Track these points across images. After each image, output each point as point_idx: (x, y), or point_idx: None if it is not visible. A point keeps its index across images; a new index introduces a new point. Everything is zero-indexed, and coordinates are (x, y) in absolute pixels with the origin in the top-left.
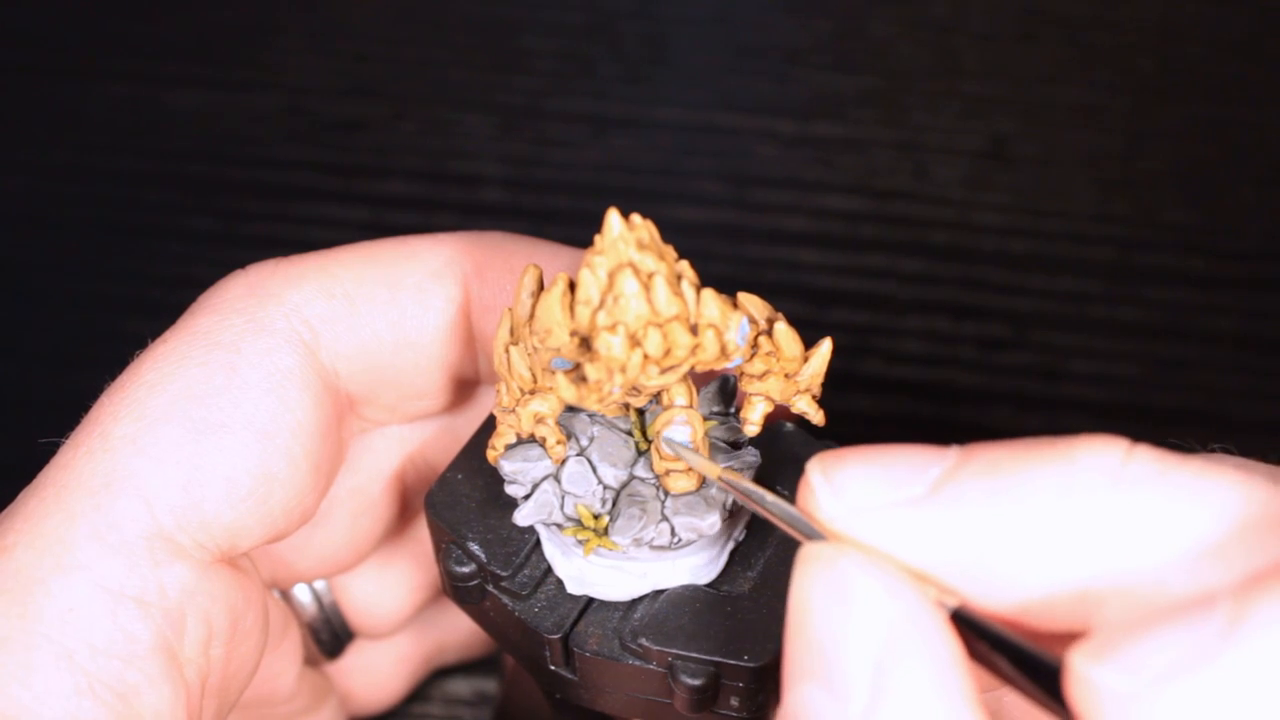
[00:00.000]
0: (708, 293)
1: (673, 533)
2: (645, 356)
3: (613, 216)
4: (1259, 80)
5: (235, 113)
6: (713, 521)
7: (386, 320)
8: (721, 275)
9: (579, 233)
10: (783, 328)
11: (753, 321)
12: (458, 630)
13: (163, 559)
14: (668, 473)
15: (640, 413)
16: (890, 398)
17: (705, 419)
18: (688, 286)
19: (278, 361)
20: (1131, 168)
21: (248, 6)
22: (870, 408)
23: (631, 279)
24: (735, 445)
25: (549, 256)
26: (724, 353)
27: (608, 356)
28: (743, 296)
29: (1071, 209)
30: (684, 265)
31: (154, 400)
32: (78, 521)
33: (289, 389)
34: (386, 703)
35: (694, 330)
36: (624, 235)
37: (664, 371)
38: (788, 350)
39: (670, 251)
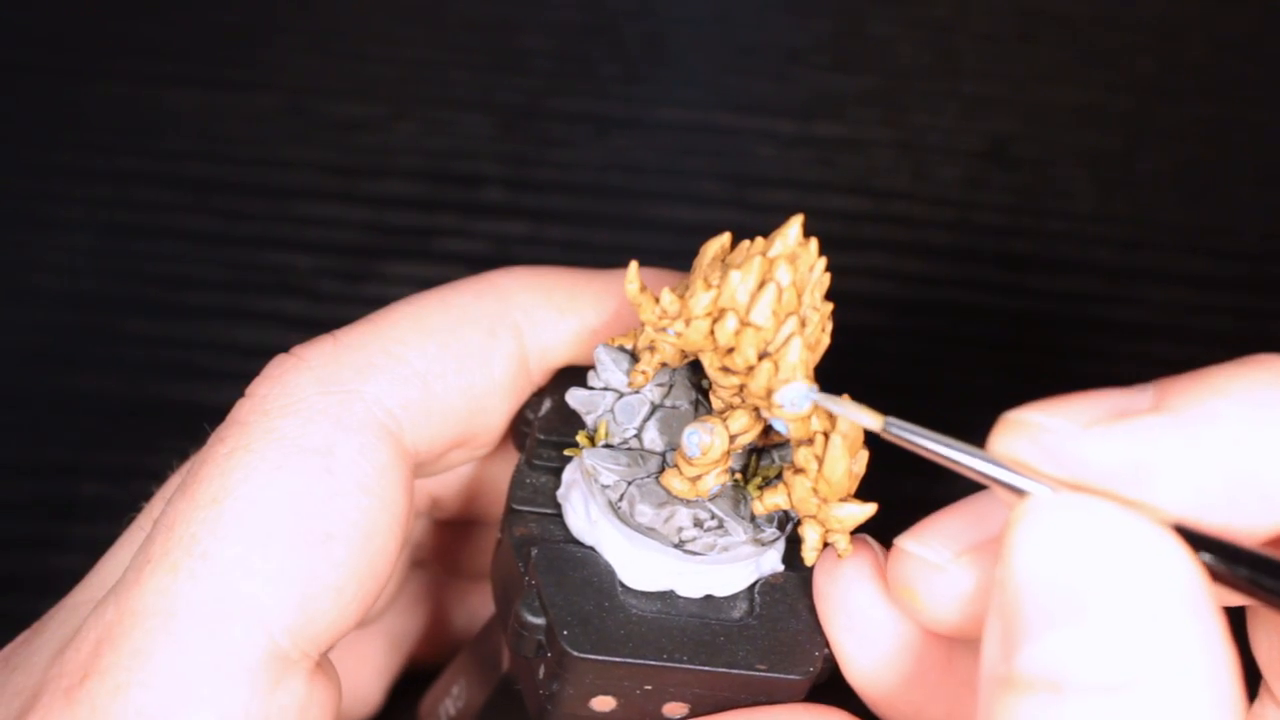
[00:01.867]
0: (798, 340)
1: (698, 524)
2: (711, 334)
3: (796, 225)
4: (1259, 80)
5: (235, 113)
6: (727, 542)
7: (457, 390)
8: None
9: (579, 233)
10: (838, 443)
11: (819, 411)
12: (427, 635)
13: (280, 679)
14: (698, 477)
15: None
16: (890, 398)
17: (737, 443)
18: (794, 323)
19: (372, 459)
20: (1131, 168)
21: (248, 6)
22: (869, 408)
23: (753, 274)
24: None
25: (585, 284)
26: (768, 398)
27: (688, 301)
28: (847, 401)
29: (1071, 209)
30: (815, 313)
31: (256, 517)
32: (195, 653)
33: (385, 485)
34: (370, 710)
35: (762, 356)
36: (787, 242)
37: (722, 368)
38: (830, 469)
39: (815, 289)
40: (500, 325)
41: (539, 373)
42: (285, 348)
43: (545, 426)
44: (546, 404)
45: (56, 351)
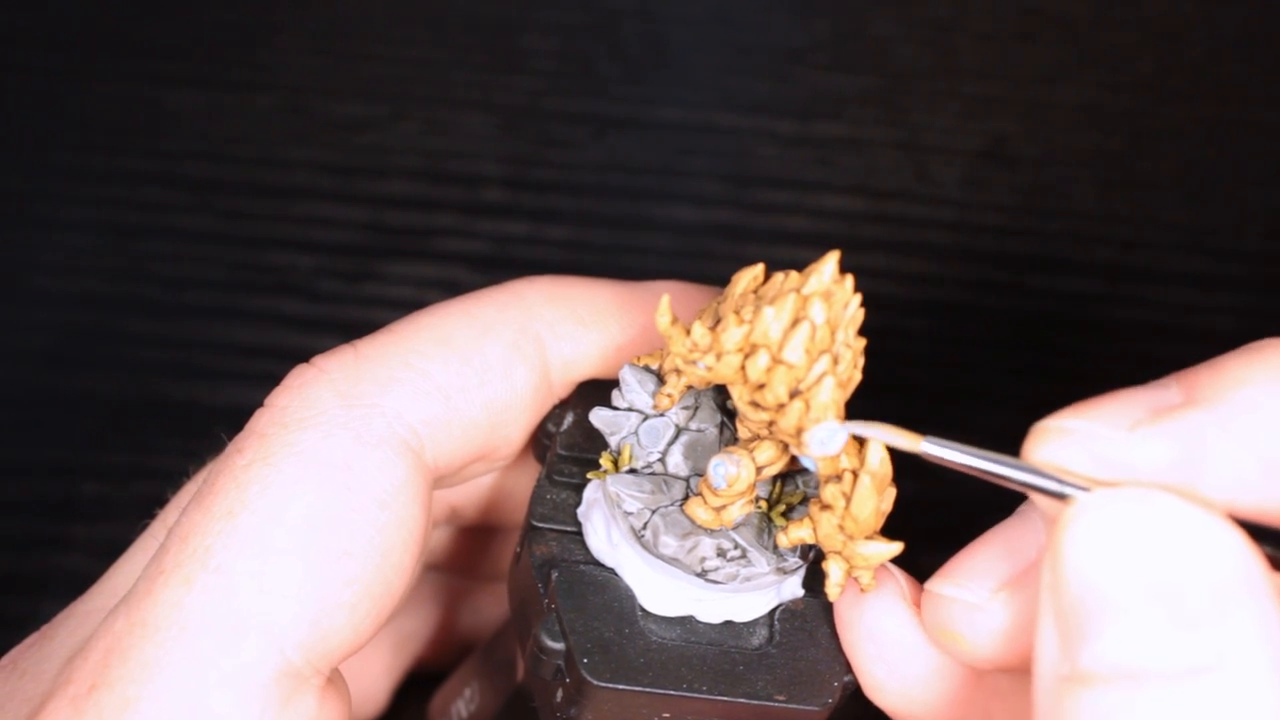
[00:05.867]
0: (831, 379)
1: (721, 553)
2: (743, 369)
3: (832, 261)
4: (1259, 80)
5: (235, 113)
6: (749, 572)
7: (479, 405)
8: (721, 275)
9: (579, 233)
10: (866, 483)
11: (849, 448)
12: (435, 636)
13: (292, 696)
14: (723, 507)
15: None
16: (890, 398)
17: (761, 476)
18: (826, 362)
19: (391, 476)
20: (1131, 168)
21: (248, 6)
22: (869, 409)
23: (787, 311)
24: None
25: (610, 296)
26: (799, 436)
27: (720, 335)
28: (881, 426)
29: (1071, 209)
30: (847, 350)
31: (272, 532)
32: (206, 669)
33: (403, 501)
34: (376, 709)
35: (793, 394)
36: (822, 279)
37: (751, 402)
38: (857, 508)
39: (848, 326)
40: (523, 337)
41: (560, 385)
42: (285, 348)
43: (567, 442)
44: (568, 418)
45: (56, 351)
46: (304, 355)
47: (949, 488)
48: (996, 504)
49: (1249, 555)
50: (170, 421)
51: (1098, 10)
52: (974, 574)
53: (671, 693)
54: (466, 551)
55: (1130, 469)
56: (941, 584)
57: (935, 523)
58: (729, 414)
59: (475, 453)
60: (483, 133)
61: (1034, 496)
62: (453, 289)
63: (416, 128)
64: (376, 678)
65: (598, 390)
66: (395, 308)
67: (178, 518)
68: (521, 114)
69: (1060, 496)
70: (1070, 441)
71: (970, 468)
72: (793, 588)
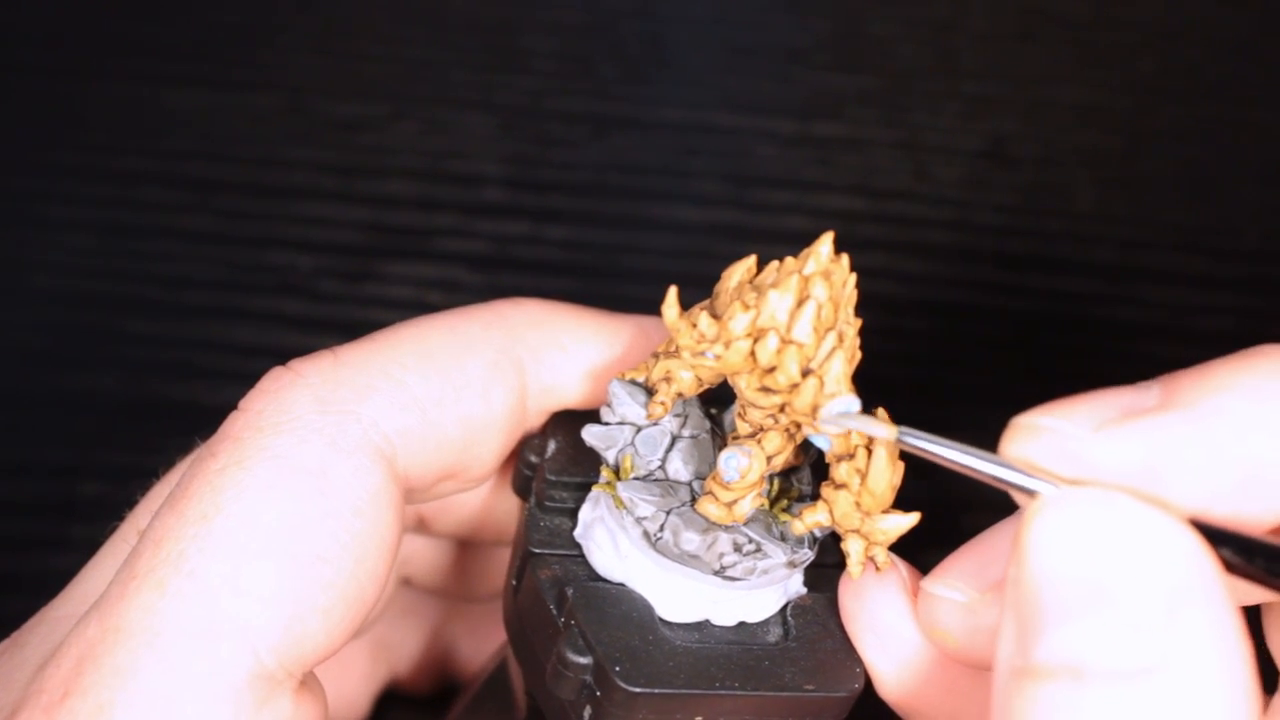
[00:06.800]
0: (841, 354)
1: (737, 548)
2: (752, 354)
3: (827, 241)
4: (1259, 80)
5: (235, 113)
6: (766, 564)
7: (454, 420)
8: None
9: (579, 233)
10: (882, 455)
11: (864, 419)
12: (413, 653)
13: (265, 698)
14: (734, 501)
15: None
16: (890, 398)
17: (771, 471)
18: (833, 338)
19: (365, 483)
20: (1131, 168)
21: (248, 6)
22: (869, 409)
23: (790, 291)
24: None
25: (595, 326)
26: (814, 413)
27: (727, 323)
28: (880, 413)
29: (1071, 209)
30: (850, 329)
31: (246, 535)
32: (180, 673)
33: (377, 509)
34: (358, 717)
35: (805, 373)
36: (820, 259)
37: (762, 388)
38: (874, 481)
39: (847, 304)
40: (504, 359)
41: (535, 413)
42: (285, 348)
43: (554, 468)
44: (551, 445)
45: (56, 351)
46: (303, 355)
47: (951, 486)
48: (996, 504)
49: (1203, 559)
50: (170, 421)
51: (1098, 10)
52: (964, 575)
53: (707, 692)
54: (445, 570)
55: (1094, 469)
56: (933, 584)
57: (938, 521)
58: (715, 420)
59: (446, 468)
60: (483, 133)
61: (1008, 491)
62: (453, 289)
63: (416, 128)
64: (356, 684)
65: (573, 419)
66: (395, 308)
67: (150, 521)
68: (521, 114)
69: (1030, 492)
70: (1041, 438)
71: (944, 459)
72: (797, 585)
